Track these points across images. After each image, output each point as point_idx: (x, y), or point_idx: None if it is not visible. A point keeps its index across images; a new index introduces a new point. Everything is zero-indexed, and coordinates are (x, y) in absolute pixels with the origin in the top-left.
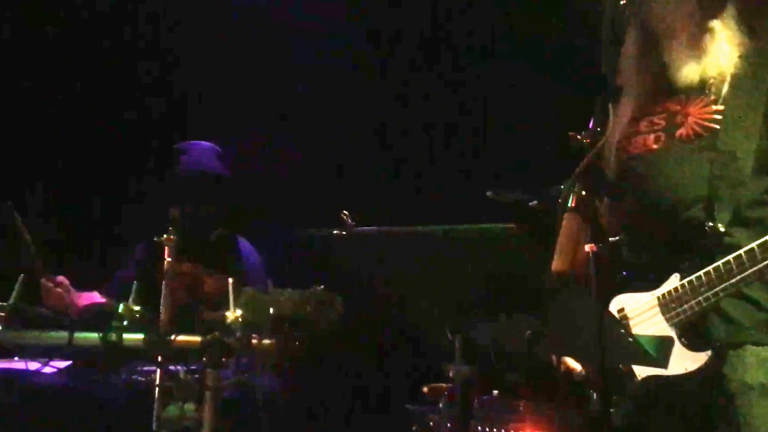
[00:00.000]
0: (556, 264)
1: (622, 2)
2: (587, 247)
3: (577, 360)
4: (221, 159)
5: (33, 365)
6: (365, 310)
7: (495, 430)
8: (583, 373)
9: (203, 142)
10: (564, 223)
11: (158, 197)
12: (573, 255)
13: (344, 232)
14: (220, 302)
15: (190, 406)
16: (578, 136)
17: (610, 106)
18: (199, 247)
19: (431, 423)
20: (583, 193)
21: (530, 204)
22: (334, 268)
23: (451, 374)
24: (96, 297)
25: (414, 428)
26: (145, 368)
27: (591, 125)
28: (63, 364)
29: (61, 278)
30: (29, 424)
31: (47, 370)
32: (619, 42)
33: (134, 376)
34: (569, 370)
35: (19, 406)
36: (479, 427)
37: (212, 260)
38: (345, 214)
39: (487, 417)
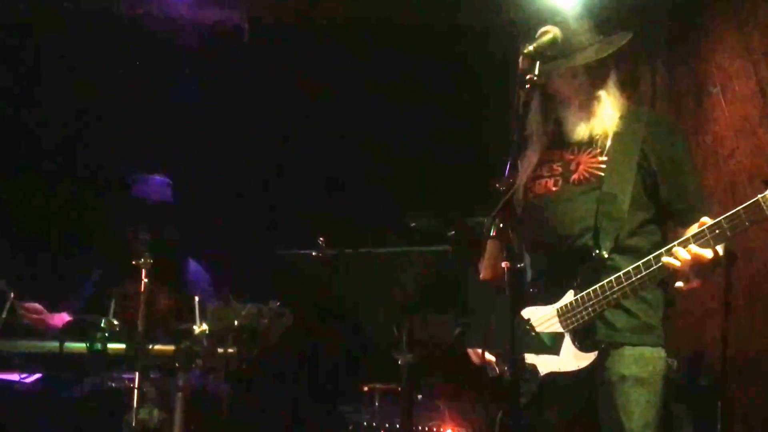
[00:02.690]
0: (484, 274)
1: (527, 86)
2: (503, 264)
3: (493, 352)
4: (172, 190)
5: (11, 377)
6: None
7: (420, 427)
8: (496, 366)
9: (156, 176)
10: (488, 246)
11: (111, 223)
12: (495, 268)
13: (320, 254)
14: (172, 316)
15: (157, 410)
16: (497, 184)
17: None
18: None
19: (365, 422)
20: (501, 225)
21: (448, 234)
22: (305, 282)
23: (399, 362)
24: (65, 317)
25: (350, 428)
26: (115, 375)
27: (506, 174)
28: (35, 376)
29: (33, 306)
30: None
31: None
32: (526, 113)
33: (110, 383)
34: (487, 362)
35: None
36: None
37: (165, 280)
38: (321, 240)
39: (420, 418)
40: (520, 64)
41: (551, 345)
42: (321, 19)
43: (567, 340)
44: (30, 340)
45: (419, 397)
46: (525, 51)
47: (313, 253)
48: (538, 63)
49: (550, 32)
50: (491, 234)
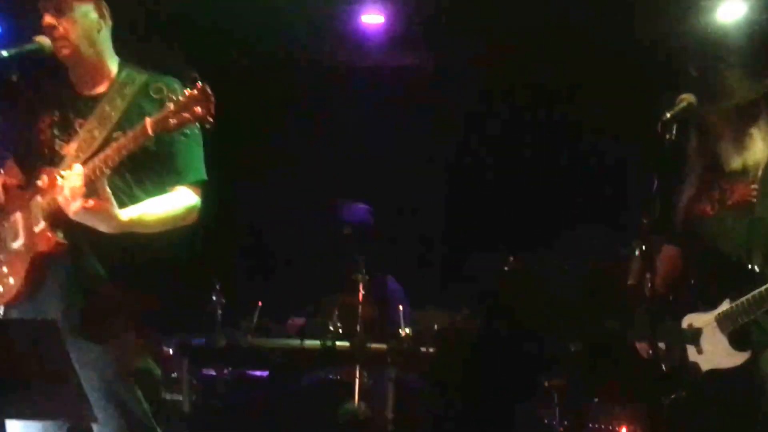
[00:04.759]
0: (630, 282)
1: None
2: (647, 275)
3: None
4: (373, 215)
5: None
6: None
7: (595, 425)
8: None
9: (360, 204)
10: (636, 261)
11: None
12: (639, 279)
13: (509, 267)
14: (374, 324)
15: (366, 404)
16: (643, 218)
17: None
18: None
19: (546, 420)
20: (643, 247)
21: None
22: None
23: (573, 348)
24: (298, 320)
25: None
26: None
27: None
28: (265, 372)
29: None
30: (250, 414)
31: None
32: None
33: (330, 375)
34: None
35: (243, 401)
36: (589, 425)
37: (368, 293)
38: (510, 257)
39: (595, 418)
40: (659, 129)
41: (711, 346)
42: (497, 60)
43: (725, 342)
44: (275, 338)
45: (595, 400)
46: (663, 119)
47: (506, 268)
48: (675, 125)
49: (685, 100)
50: (636, 253)
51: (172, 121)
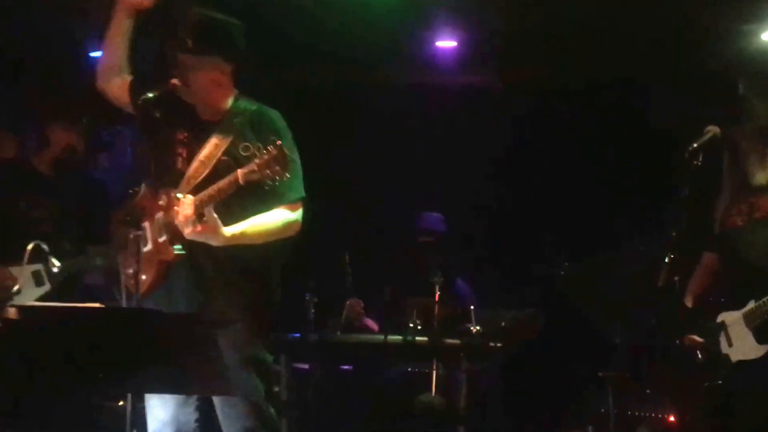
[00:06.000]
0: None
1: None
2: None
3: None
4: (446, 223)
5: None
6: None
7: (650, 414)
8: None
9: (435, 214)
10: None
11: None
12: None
13: (565, 272)
14: (448, 322)
15: (438, 395)
16: (674, 233)
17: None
18: (430, 285)
19: (602, 410)
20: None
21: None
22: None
23: (616, 341)
24: (371, 322)
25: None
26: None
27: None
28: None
29: (358, 303)
30: (338, 403)
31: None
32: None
33: (409, 368)
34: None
35: (332, 392)
36: (636, 413)
37: (443, 294)
38: (567, 262)
39: (645, 407)
40: (686, 156)
41: (739, 339)
42: (561, 80)
43: (750, 336)
44: (360, 333)
45: (648, 391)
46: (690, 148)
47: (562, 273)
48: (701, 153)
49: (710, 132)
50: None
51: (256, 175)
